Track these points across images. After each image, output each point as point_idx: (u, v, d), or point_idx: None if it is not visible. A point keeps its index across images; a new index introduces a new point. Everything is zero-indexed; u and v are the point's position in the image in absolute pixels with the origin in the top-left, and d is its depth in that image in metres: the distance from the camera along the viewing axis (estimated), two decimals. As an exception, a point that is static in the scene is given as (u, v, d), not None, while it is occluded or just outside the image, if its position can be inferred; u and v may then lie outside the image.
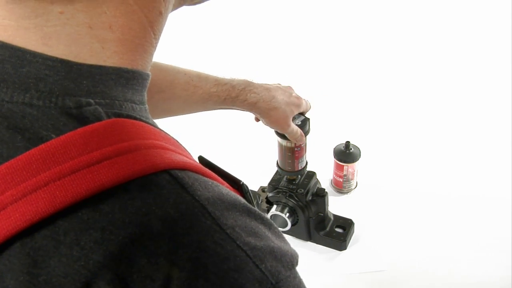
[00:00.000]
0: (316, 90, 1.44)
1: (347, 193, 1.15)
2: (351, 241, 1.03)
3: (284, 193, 0.99)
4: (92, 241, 0.31)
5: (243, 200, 0.38)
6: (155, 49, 0.41)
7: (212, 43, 1.65)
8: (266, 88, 0.85)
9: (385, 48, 1.59)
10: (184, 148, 0.42)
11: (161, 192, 0.33)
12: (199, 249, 0.32)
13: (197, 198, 0.34)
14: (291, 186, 0.99)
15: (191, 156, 0.41)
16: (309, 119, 0.93)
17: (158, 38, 0.41)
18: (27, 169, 0.31)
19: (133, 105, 0.38)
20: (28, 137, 0.32)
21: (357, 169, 1.12)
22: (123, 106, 0.37)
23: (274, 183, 1.01)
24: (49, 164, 0.32)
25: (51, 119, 0.33)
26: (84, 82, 0.35)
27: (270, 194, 1.01)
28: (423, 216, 1.07)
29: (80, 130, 0.33)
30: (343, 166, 1.09)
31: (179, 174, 0.34)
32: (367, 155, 1.13)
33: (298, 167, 0.96)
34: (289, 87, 0.92)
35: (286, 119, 0.87)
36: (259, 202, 1.05)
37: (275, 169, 1.02)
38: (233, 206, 0.36)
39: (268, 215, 1.00)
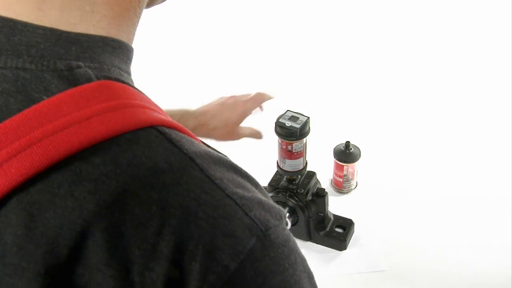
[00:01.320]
0: (316, 90, 1.44)
1: (347, 193, 1.15)
2: (351, 241, 1.03)
3: (284, 193, 0.99)
4: (86, 191, 0.32)
5: (229, 159, 0.39)
6: (138, 20, 0.43)
7: (212, 43, 1.65)
8: (203, 112, 0.91)
9: (385, 48, 1.59)
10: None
11: (150, 145, 0.34)
12: (189, 198, 0.33)
13: (185, 151, 0.35)
14: (291, 186, 0.99)
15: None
16: (309, 118, 0.93)
17: (141, 8, 0.42)
18: (21, 128, 0.33)
19: (120, 71, 0.39)
20: (21, 100, 0.34)
21: (357, 169, 1.12)
22: (111, 70, 0.38)
23: (274, 183, 1.01)
24: (42, 122, 0.33)
25: (43, 81, 0.34)
26: (73, 48, 0.37)
27: (270, 194, 1.01)
28: (423, 216, 1.07)
29: (71, 90, 0.34)
30: (343, 166, 1.09)
31: (166, 130, 0.36)
32: (367, 155, 1.13)
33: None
34: (232, 97, 0.96)
35: (231, 133, 0.93)
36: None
37: (275, 169, 1.02)
38: (219, 161, 0.37)
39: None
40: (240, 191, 0.36)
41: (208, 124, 0.89)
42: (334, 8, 1.75)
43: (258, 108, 0.95)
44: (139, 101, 0.37)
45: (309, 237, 1.03)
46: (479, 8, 1.67)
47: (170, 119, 0.38)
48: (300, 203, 0.98)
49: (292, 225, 1.00)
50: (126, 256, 0.32)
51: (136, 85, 0.40)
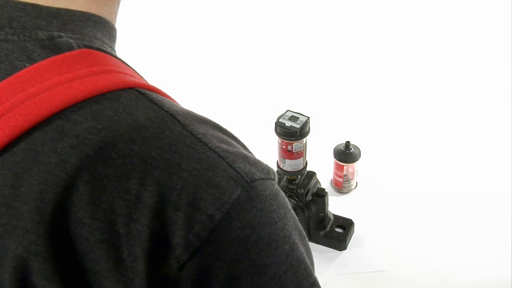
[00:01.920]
0: (316, 90, 1.44)
1: (347, 193, 1.15)
2: (351, 241, 1.03)
3: (284, 193, 0.98)
4: (68, 146, 0.33)
5: (214, 121, 0.39)
6: (118, 2, 0.43)
7: (212, 43, 1.65)
8: None
9: (385, 48, 1.59)
10: None
11: (130, 103, 0.35)
12: (171, 151, 0.34)
13: (165, 109, 0.36)
14: (291, 186, 0.99)
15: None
16: (309, 118, 0.93)
17: None
18: (4, 94, 0.34)
19: (103, 43, 0.40)
20: (5, 69, 0.35)
21: (357, 169, 1.12)
22: (93, 41, 0.39)
23: (274, 183, 1.01)
24: (25, 87, 0.34)
25: (25, 51, 0.36)
26: (54, 21, 0.38)
27: (270, 194, 1.01)
28: (423, 216, 1.07)
29: (54, 57, 0.35)
30: (343, 166, 1.09)
31: (147, 92, 0.37)
32: (367, 155, 1.13)
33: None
34: None
35: None
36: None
37: (275, 169, 1.02)
38: (203, 121, 0.38)
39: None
40: (224, 145, 0.36)
41: None
42: (334, 8, 1.74)
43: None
44: (121, 68, 0.38)
45: (309, 237, 1.03)
46: (479, 8, 1.67)
47: (153, 86, 0.39)
48: (300, 203, 0.98)
49: (292, 225, 1.00)
50: (110, 208, 0.32)
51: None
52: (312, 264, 0.42)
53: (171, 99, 0.39)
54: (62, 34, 0.37)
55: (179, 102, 0.41)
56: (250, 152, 0.40)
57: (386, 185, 1.15)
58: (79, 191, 0.32)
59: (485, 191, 1.12)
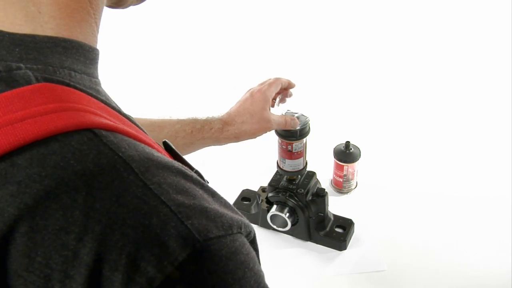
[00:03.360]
0: (316, 90, 1.44)
1: (347, 193, 1.15)
2: (351, 241, 1.03)
3: (284, 193, 0.99)
4: (9, 194, 0.31)
5: (179, 165, 0.37)
6: (96, 21, 0.41)
7: (212, 43, 1.65)
8: (226, 112, 0.87)
9: (385, 48, 1.59)
10: (139, 128, 0.41)
11: (81, 148, 0.33)
12: (117, 203, 0.32)
13: (120, 154, 0.33)
14: (291, 186, 0.99)
15: (143, 133, 0.40)
16: (309, 118, 0.93)
17: (96, 9, 0.41)
18: None
19: (72, 72, 0.38)
20: None
21: (357, 169, 1.12)
22: (57, 72, 0.37)
23: (274, 183, 1.01)
24: None
25: None
26: (17, 49, 0.35)
27: (270, 194, 1.01)
28: (423, 216, 1.07)
29: (8, 92, 0.33)
30: (343, 166, 1.09)
31: (103, 133, 0.34)
32: (367, 155, 1.13)
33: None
34: (248, 90, 0.92)
35: (262, 122, 0.86)
36: (259, 202, 1.05)
37: (275, 169, 1.02)
38: (164, 166, 0.35)
39: (268, 215, 1.01)
40: (180, 197, 0.33)
41: (235, 121, 0.85)
42: (334, 8, 1.75)
43: (286, 94, 0.92)
44: (82, 104, 0.35)
45: (309, 237, 1.03)
46: (479, 8, 1.67)
47: (116, 123, 0.36)
48: (300, 203, 0.98)
49: (292, 225, 1.00)
50: (46, 262, 0.31)
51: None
52: None
53: (136, 137, 0.36)
54: (22, 65, 0.35)
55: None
56: (222, 200, 0.37)
57: (386, 185, 1.15)
58: (16, 242, 0.31)
59: (485, 191, 1.12)
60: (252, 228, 0.38)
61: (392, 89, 1.44)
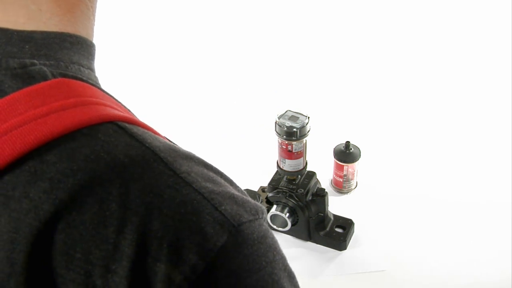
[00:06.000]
0: (316, 90, 1.44)
1: (347, 193, 1.15)
2: (351, 241, 1.03)
3: (284, 193, 0.99)
4: (41, 191, 0.30)
5: (199, 156, 0.37)
6: (93, 14, 0.41)
7: (213, 43, 1.65)
8: None
9: (385, 48, 1.59)
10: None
11: (109, 140, 0.32)
12: (152, 193, 0.31)
13: (147, 145, 0.33)
14: (291, 186, 0.99)
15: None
16: (309, 118, 0.93)
17: (93, 1, 0.41)
18: None
19: (80, 67, 0.38)
20: None
21: (357, 169, 1.12)
22: (69, 67, 0.36)
23: (274, 183, 1.01)
24: None
25: None
26: (27, 46, 0.35)
27: (270, 194, 1.01)
28: (423, 216, 1.07)
29: (26, 89, 0.33)
30: (343, 166, 1.09)
31: (127, 125, 0.34)
32: (367, 155, 1.13)
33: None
34: None
35: None
36: (259, 202, 1.05)
37: (275, 169, 1.02)
38: (187, 156, 0.35)
39: (268, 215, 1.00)
40: (209, 185, 0.34)
41: None
42: (334, 8, 1.74)
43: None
44: (99, 99, 0.35)
45: (309, 237, 1.03)
46: (479, 8, 1.67)
47: (133, 116, 0.36)
48: (300, 203, 0.98)
49: (292, 225, 1.00)
50: (86, 258, 0.30)
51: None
52: None
53: (153, 130, 0.37)
54: (35, 61, 0.34)
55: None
56: (238, 188, 0.38)
57: (386, 185, 1.15)
58: (53, 240, 0.30)
59: (485, 191, 1.12)
60: (266, 214, 0.38)
61: (392, 89, 1.44)
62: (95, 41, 0.42)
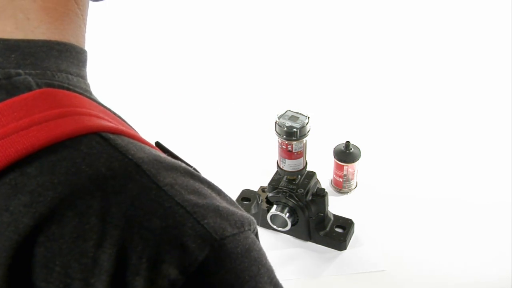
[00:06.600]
0: (317, 90, 1.44)
1: (347, 193, 1.15)
2: (351, 241, 1.03)
3: (284, 193, 0.99)
4: (21, 205, 0.30)
5: (185, 165, 0.37)
6: (84, 21, 0.41)
7: (213, 43, 1.65)
8: None
9: (385, 48, 1.59)
10: (131, 127, 0.41)
11: (91, 152, 0.32)
12: (133, 207, 0.31)
13: (130, 157, 0.33)
14: (291, 186, 0.99)
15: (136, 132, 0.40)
16: (309, 118, 0.93)
17: (83, 9, 0.40)
18: None
19: (68, 75, 0.37)
20: None
21: (357, 169, 1.12)
22: (56, 76, 0.36)
23: (274, 183, 1.01)
24: None
25: None
26: (13, 55, 0.35)
27: (270, 194, 1.01)
28: (423, 216, 1.07)
29: (9, 101, 0.32)
30: (343, 166, 1.09)
31: (110, 136, 0.34)
32: (367, 155, 1.13)
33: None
34: None
35: None
36: (259, 202, 1.05)
37: (275, 169, 1.02)
38: (172, 167, 0.35)
39: (268, 215, 1.01)
40: (193, 197, 0.33)
41: None
42: (334, 8, 1.74)
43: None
44: (85, 108, 0.35)
45: (309, 237, 1.03)
46: (479, 8, 1.67)
47: (119, 126, 0.35)
48: (300, 203, 0.98)
49: (292, 225, 1.00)
50: (65, 272, 0.30)
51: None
52: None
53: (140, 139, 0.36)
54: (21, 71, 0.34)
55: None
56: (227, 197, 0.38)
57: (386, 185, 1.15)
58: (33, 253, 0.30)
59: (485, 191, 1.12)
60: (256, 224, 0.38)
61: (393, 89, 1.44)
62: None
